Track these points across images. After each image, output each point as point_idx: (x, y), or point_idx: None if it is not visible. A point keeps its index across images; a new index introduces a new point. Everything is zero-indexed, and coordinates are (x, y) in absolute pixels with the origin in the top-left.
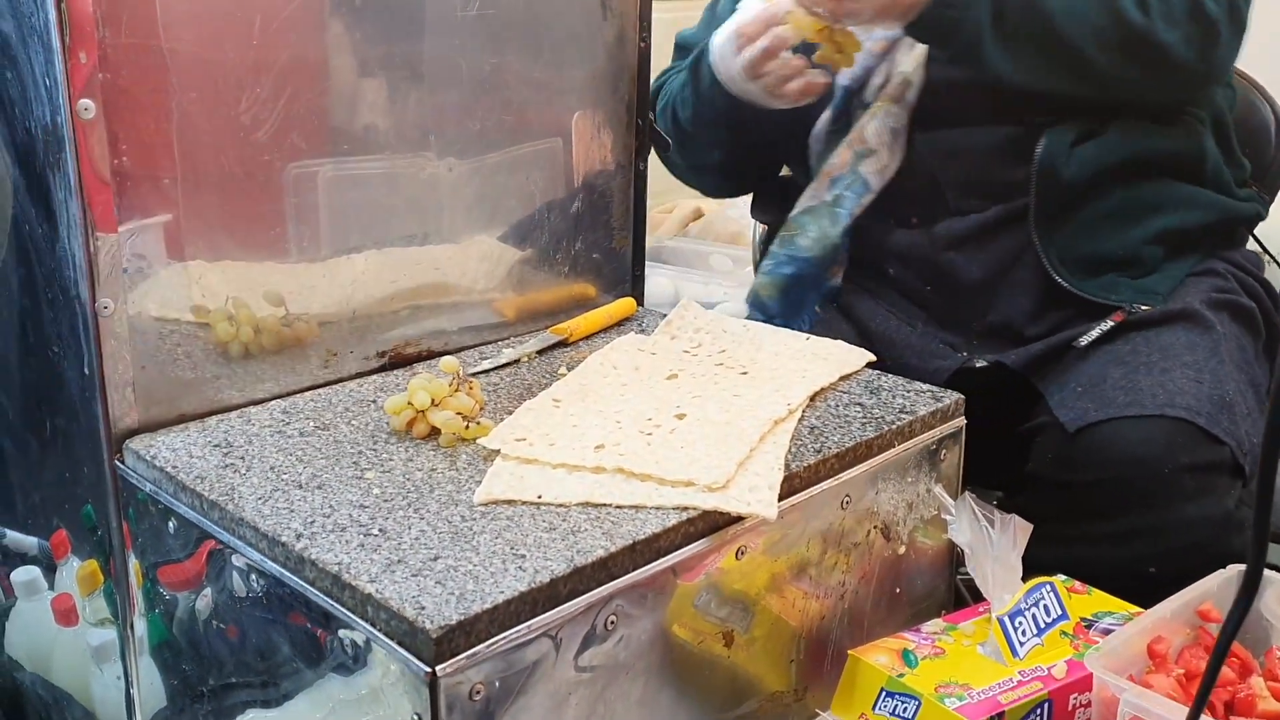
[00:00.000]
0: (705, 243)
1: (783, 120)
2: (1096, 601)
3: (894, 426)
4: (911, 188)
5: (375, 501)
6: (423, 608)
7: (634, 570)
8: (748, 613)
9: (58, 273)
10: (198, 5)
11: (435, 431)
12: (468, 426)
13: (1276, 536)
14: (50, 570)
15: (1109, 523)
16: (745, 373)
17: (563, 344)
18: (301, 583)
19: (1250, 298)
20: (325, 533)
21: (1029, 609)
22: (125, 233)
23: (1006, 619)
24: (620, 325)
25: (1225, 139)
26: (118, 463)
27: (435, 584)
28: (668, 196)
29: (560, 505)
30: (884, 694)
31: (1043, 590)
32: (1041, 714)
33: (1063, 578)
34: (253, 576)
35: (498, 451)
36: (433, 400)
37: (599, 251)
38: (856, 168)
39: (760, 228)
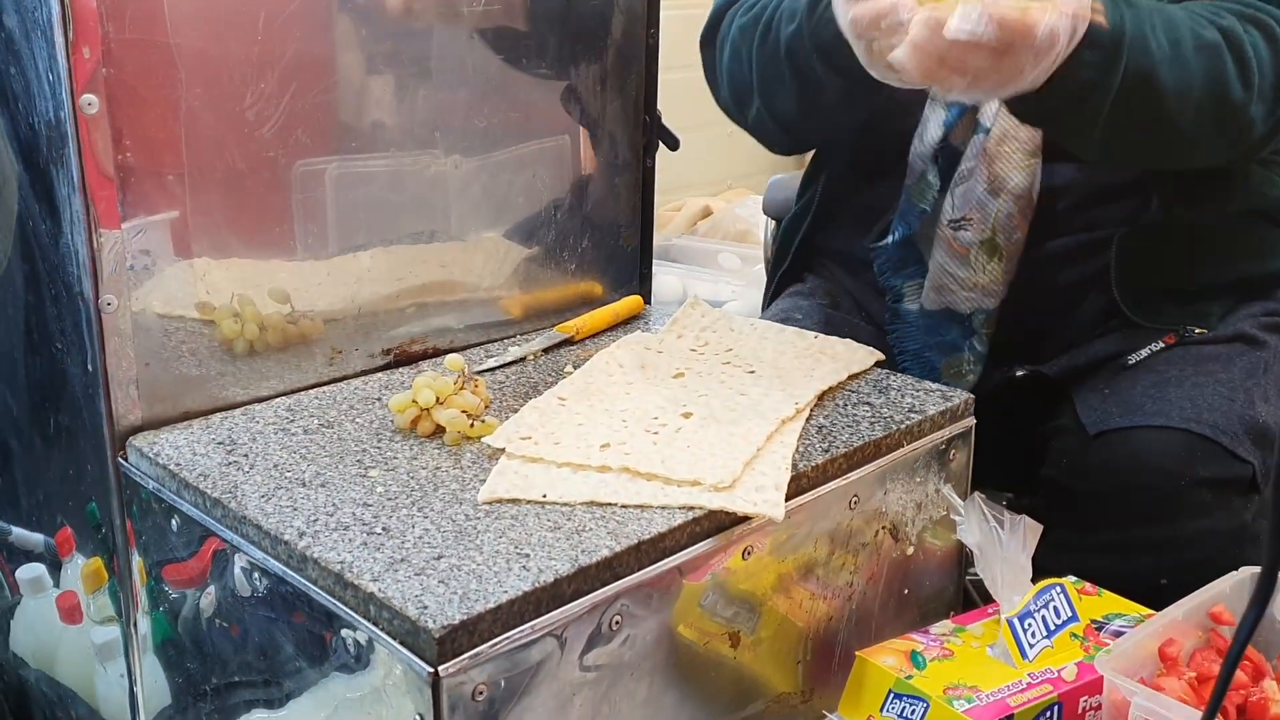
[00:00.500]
0: (713, 241)
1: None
2: (1107, 603)
3: (903, 426)
4: None
5: (379, 500)
6: (425, 607)
7: (639, 570)
8: (754, 613)
9: (61, 269)
10: (202, 0)
11: (440, 429)
12: (473, 425)
13: None
14: (55, 568)
15: (1120, 533)
16: (752, 371)
17: (569, 342)
18: (304, 581)
19: None
20: (328, 531)
21: (1039, 611)
22: (129, 229)
23: (1016, 621)
24: (627, 323)
25: None
26: (121, 460)
27: (438, 583)
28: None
29: (565, 504)
30: (892, 695)
31: (1052, 592)
32: (1051, 717)
33: (1073, 579)
34: (255, 575)
35: (503, 450)
36: (438, 398)
37: (606, 249)
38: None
39: (770, 224)
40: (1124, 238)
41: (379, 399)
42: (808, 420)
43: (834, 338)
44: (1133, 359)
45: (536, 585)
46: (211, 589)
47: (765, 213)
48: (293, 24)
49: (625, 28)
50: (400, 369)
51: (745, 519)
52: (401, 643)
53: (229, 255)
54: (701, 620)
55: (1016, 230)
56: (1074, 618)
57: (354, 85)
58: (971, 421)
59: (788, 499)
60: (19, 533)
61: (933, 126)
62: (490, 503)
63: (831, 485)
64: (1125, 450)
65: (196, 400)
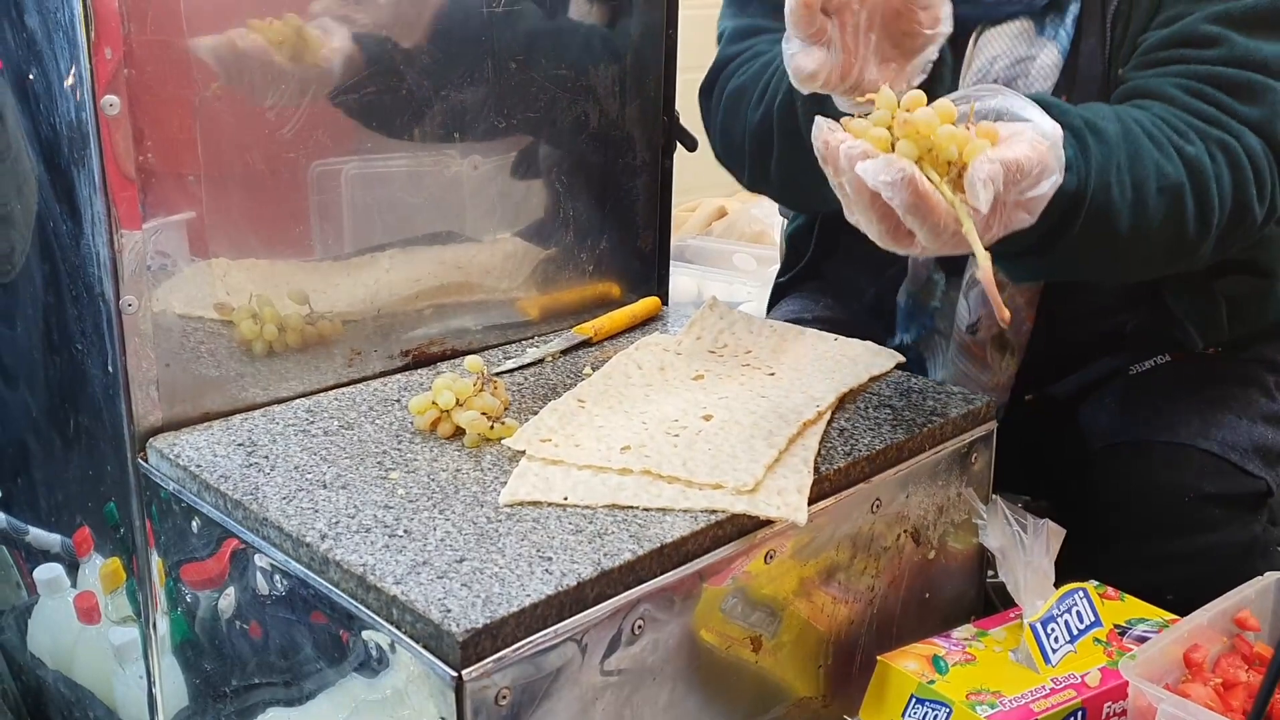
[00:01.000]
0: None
1: None
2: (1130, 608)
3: (925, 429)
4: None
5: (400, 502)
6: (448, 610)
7: (662, 574)
8: (776, 617)
9: (82, 270)
10: (223, 1)
11: (460, 431)
12: (492, 426)
13: None
14: (73, 568)
15: (1127, 548)
16: (772, 374)
17: (587, 343)
18: (325, 584)
19: None
20: (350, 533)
21: (1061, 615)
22: (149, 230)
23: (1039, 625)
24: (645, 325)
25: None
26: (141, 461)
27: (461, 586)
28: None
29: (587, 507)
30: (914, 701)
31: (1075, 596)
32: None
33: (1095, 584)
34: (276, 577)
35: (523, 452)
36: (457, 400)
37: (624, 250)
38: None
39: (782, 222)
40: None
41: (398, 400)
42: (829, 423)
43: (854, 340)
44: (1135, 369)
45: (559, 589)
46: (231, 590)
47: (781, 214)
48: (312, 24)
49: (644, 28)
50: (419, 370)
51: (767, 522)
52: (424, 646)
53: (248, 256)
54: (723, 624)
55: (1025, 322)
56: (1097, 623)
57: (372, 87)
58: (993, 425)
59: (810, 502)
60: (36, 533)
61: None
62: (511, 505)
63: (853, 489)
64: (1130, 466)
65: (216, 401)
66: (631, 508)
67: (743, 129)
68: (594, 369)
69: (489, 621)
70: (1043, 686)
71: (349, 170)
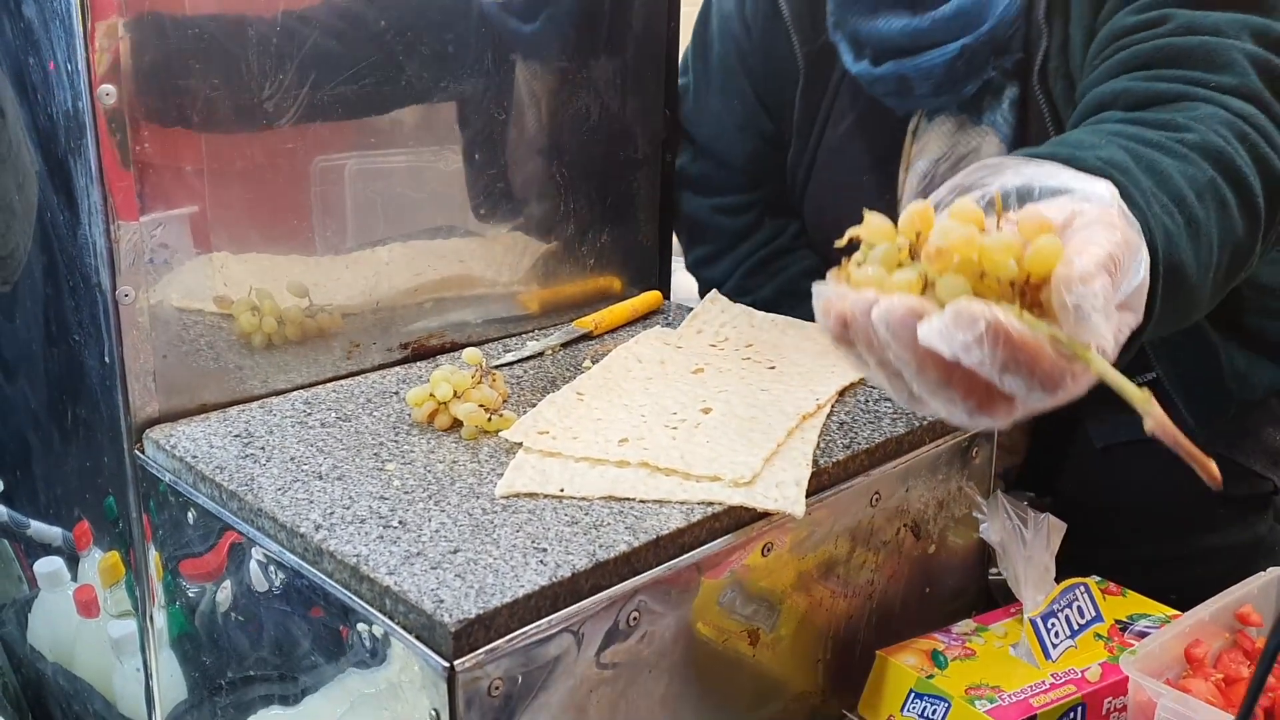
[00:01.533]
0: None
1: None
2: (1132, 603)
3: (925, 423)
4: None
5: (395, 493)
6: (441, 601)
7: (658, 566)
8: (774, 611)
9: (79, 260)
10: None
11: (457, 423)
12: (490, 419)
13: None
14: (73, 561)
15: (1131, 547)
16: (773, 367)
17: (587, 337)
18: (320, 575)
19: None
20: (344, 524)
21: (1062, 610)
22: (147, 221)
23: (1039, 620)
24: (646, 318)
25: None
26: (138, 453)
27: (455, 577)
28: None
29: (583, 499)
30: (913, 695)
31: (1076, 591)
32: (1075, 718)
33: (1097, 579)
34: (272, 568)
35: (520, 444)
36: (455, 392)
37: (625, 244)
38: None
39: None
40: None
41: (396, 392)
42: (829, 416)
43: None
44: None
45: (554, 580)
46: (228, 583)
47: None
48: (311, 16)
49: (646, 21)
50: (418, 363)
51: (765, 515)
52: (417, 637)
53: (248, 248)
54: (720, 617)
55: None
56: (1098, 618)
57: (372, 79)
58: None
59: (808, 495)
60: (37, 526)
61: None
62: (507, 497)
63: (853, 482)
64: (1132, 466)
65: (214, 393)
66: (628, 499)
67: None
68: (594, 362)
69: (481, 612)
70: (1043, 682)
71: (350, 163)
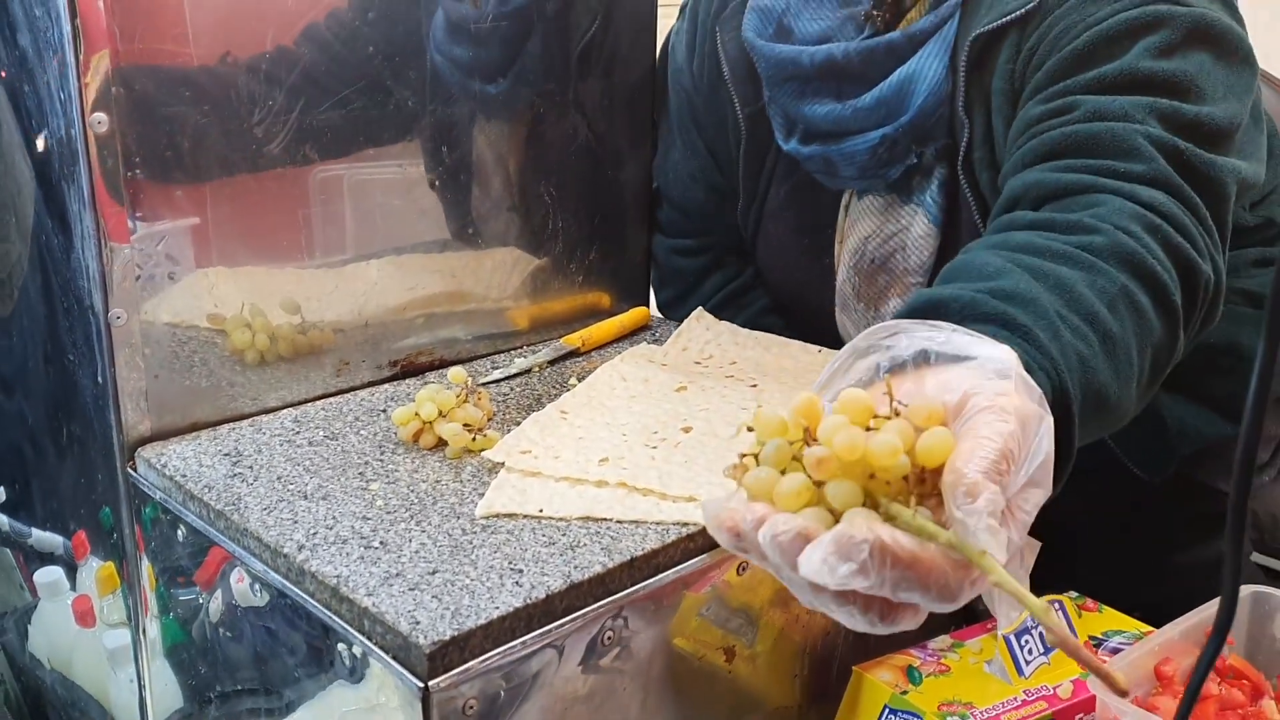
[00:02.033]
0: None
1: None
2: (1108, 620)
3: None
4: None
5: (378, 513)
6: (417, 622)
7: (632, 586)
8: (750, 628)
9: (72, 282)
10: (212, 20)
11: (443, 442)
12: (474, 438)
13: None
14: (72, 571)
15: (1101, 568)
16: (755, 385)
17: (575, 354)
18: (302, 594)
19: None
20: (326, 545)
21: (1036, 627)
22: (139, 243)
23: (1012, 637)
24: (634, 335)
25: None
26: (130, 470)
27: (431, 598)
28: None
29: (561, 519)
30: (887, 711)
31: (1050, 609)
32: None
33: (1075, 595)
34: (257, 587)
35: (503, 463)
36: (440, 411)
37: (614, 261)
38: None
39: None
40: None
41: (384, 410)
42: None
43: (839, 351)
44: None
45: (528, 601)
46: (216, 598)
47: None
48: (301, 43)
49: (632, 42)
50: (407, 380)
51: None
52: (394, 657)
53: (240, 267)
54: (696, 636)
55: None
56: (1072, 634)
57: (361, 100)
58: None
59: None
60: (39, 535)
61: None
62: (488, 517)
63: None
64: (1108, 484)
65: (206, 411)
66: (605, 520)
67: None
68: (580, 379)
69: (456, 633)
70: (1014, 698)
71: (341, 181)
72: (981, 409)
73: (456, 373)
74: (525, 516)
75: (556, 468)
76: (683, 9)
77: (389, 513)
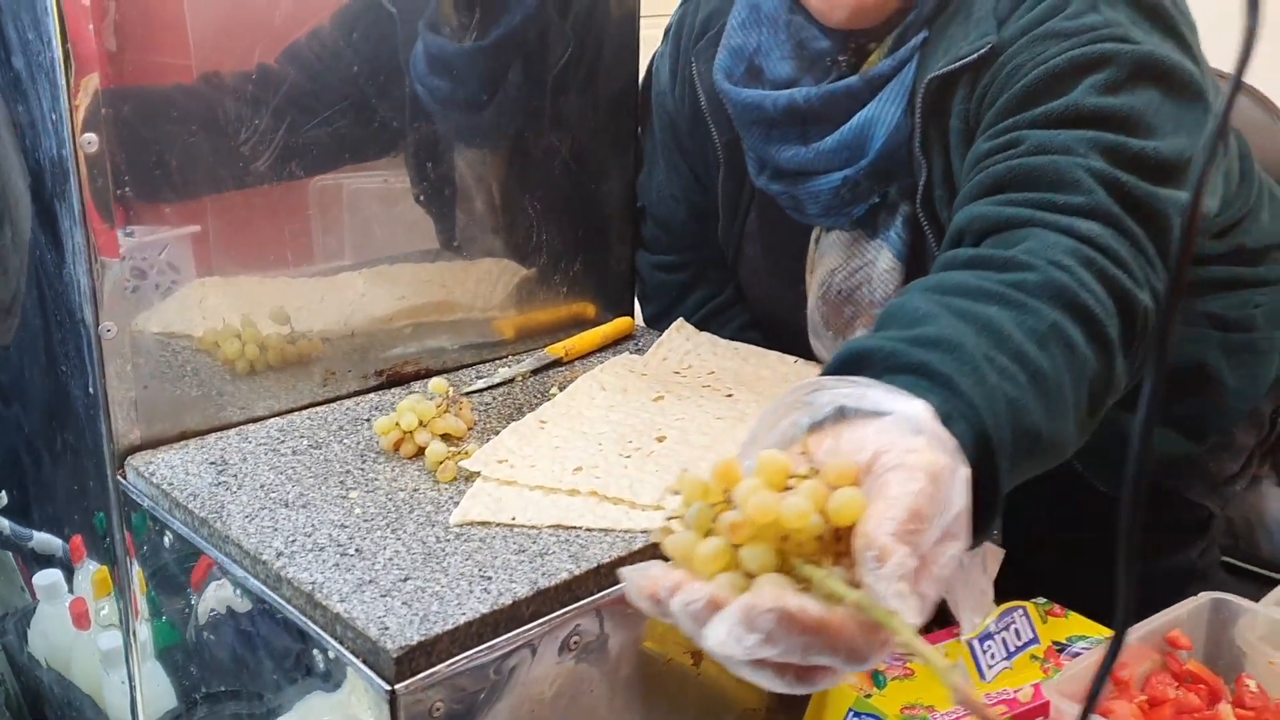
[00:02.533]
0: None
1: None
2: (1073, 625)
3: None
4: None
5: (355, 521)
6: (386, 628)
7: (599, 592)
8: None
9: (65, 296)
10: (199, 42)
11: (423, 451)
12: (454, 448)
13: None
14: (70, 573)
15: (1068, 574)
16: (730, 395)
17: (558, 363)
18: (280, 600)
19: None
20: (304, 552)
21: (999, 633)
22: (129, 257)
23: (975, 642)
24: (617, 344)
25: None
26: (120, 478)
27: (402, 604)
28: None
29: (533, 527)
30: (852, 714)
31: (1015, 614)
32: None
33: (1042, 601)
34: (239, 593)
35: (480, 472)
36: (420, 421)
37: (598, 271)
38: None
39: None
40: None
41: (368, 420)
42: None
43: (814, 363)
44: None
45: (495, 607)
46: (204, 603)
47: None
48: (285, 64)
49: (613, 59)
50: (392, 389)
51: None
52: (365, 662)
53: (230, 279)
54: (664, 638)
55: None
56: (1034, 640)
57: (347, 118)
58: None
59: None
60: (40, 537)
61: None
62: (462, 525)
63: None
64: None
65: (195, 419)
66: (576, 528)
67: None
68: (561, 389)
69: (424, 639)
70: None
71: (331, 193)
72: (891, 467)
73: (437, 383)
74: (499, 524)
75: (532, 476)
76: (667, 31)
77: (366, 520)
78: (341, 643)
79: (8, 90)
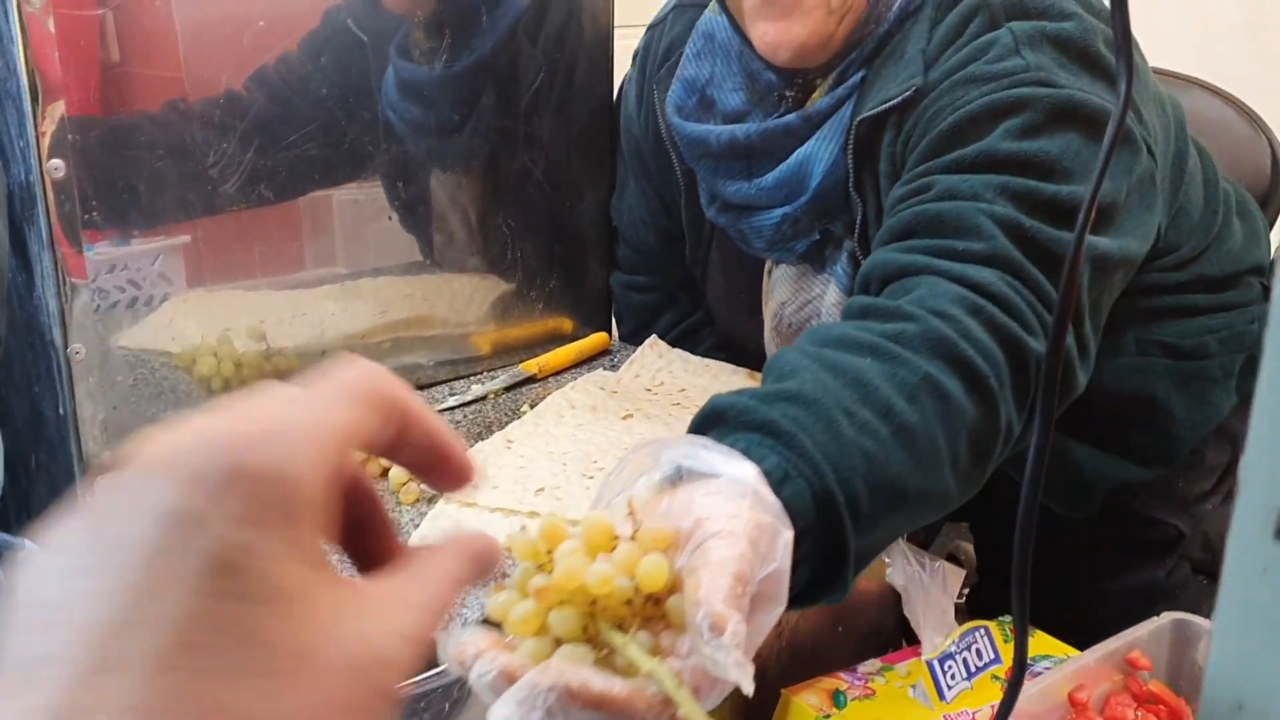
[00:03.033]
0: None
1: None
2: (1038, 644)
3: None
4: None
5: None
6: None
7: None
8: None
9: (34, 318)
10: (164, 71)
11: (387, 473)
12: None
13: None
14: None
15: (1036, 593)
16: None
17: (531, 380)
18: None
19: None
20: None
21: (960, 653)
22: (97, 280)
23: (936, 662)
24: (591, 360)
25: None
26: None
27: None
28: None
29: None
30: None
31: (976, 634)
32: None
33: (1008, 619)
34: None
35: (441, 495)
36: None
37: (574, 288)
38: None
39: None
40: None
41: None
42: None
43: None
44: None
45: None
46: None
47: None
48: (253, 88)
49: (585, 80)
50: None
51: None
52: None
53: (205, 296)
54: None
55: None
56: (996, 659)
57: (316, 142)
58: None
59: None
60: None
61: None
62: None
63: None
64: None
65: None
66: None
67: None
68: (531, 407)
69: None
70: None
71: (305, 210)
72: (712, 534)
73: None
74: None
75: (493, 498)
76: (635, 55)
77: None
78: None
79: None
